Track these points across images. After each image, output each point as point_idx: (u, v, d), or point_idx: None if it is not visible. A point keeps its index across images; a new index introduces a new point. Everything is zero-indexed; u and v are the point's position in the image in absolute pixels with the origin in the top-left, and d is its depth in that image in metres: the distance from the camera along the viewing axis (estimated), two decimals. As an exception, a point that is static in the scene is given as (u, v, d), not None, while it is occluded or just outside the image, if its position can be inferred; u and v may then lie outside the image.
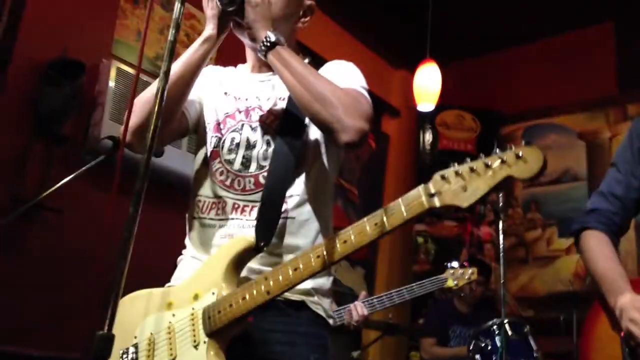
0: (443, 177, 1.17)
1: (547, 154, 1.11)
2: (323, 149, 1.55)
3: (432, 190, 1.17)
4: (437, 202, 1.17)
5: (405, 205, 1.19)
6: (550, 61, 5.04)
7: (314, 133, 1.51)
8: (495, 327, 3.24)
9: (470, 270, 3.10)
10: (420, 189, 1.19)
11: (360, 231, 1.23)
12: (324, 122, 1.38)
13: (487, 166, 1.13)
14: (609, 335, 1.63)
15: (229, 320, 1.34)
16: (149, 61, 3.41)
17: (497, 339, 3.19)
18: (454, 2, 4.70)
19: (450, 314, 4.14)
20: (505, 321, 3.16)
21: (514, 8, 4.75)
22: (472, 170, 1.15)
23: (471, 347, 3.32)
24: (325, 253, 1.26)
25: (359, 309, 3.00)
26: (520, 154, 1.10)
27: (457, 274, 3.09)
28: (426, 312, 4.32)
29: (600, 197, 1.80)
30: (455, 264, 3.16)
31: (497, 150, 1.14)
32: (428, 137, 5.40)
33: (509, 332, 3.14)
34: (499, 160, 1.12)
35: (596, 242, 1.74)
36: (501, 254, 3.21)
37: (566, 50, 4.96)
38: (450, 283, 3.07)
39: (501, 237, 3.29)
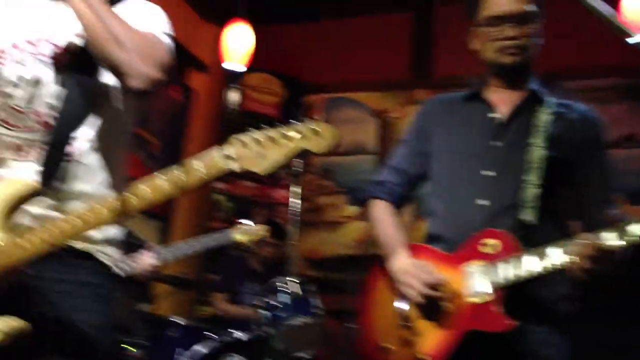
0: (242, 142, 1.20)
1: (343, 127, 1.20)
2: (118, 94, 1.47)
3: (232, 154, 1.20)
4: (235, 166, 1.20)
5: (204, 166, 1.21)
6: (354, 40, 5.33)
7: (110, 75, 1.41)
8: (282, 285, 3.42)
9: (260, 228, 3.18)
10: (219, 150, 1.20)
11: (156, 187, 1.21)
12: (113, 64, 1.31)
13: (285, 137, 1.19)
14: (387, 295, 1.79)
15: (5, 272, 1.25)
16: None
17: (283, 296, 3.37)
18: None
19: (243, 271, 4.23)
20: (293, 280, 3.36)
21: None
22: (270, 139, 1.19)
23: (259, 304, 3.47)
24: (117, 206, 1.22)
25: (147, 259, 2.94)
26: (317, 130, 1.18)
27: (247, 231, 3.15)
28: (219, 268, 4.38)
29: (388, 171, 1.97)
30: (247, 221, 3.23)
31: (297, 122, 1.21)
32: (234, 96, 5.41)
33: (295, 291, 3.34)
34: (297, 133, 1.18)
35: (381, 212, 1.91)
36: (294, 216, 3.39)
37: (370, 32, 5.29)
38: (241, 238, 3.13)
39: (296, 200, 3.47)
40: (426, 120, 1.97)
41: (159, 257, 2.97)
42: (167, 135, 4.97)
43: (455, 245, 1.72)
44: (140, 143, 4.52)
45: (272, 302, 3.40)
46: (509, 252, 1.60)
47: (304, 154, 1.19)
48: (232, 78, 5.29)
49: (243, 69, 4.63)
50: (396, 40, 5.23)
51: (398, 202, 1.94)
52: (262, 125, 1.21)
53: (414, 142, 1.97)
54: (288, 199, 4.84)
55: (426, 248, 1.81)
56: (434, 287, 1.64)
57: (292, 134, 1.19)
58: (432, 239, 1.84)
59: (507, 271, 1.58)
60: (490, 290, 1.59)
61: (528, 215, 1.66)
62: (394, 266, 1.76)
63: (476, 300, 1.61)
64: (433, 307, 1.66)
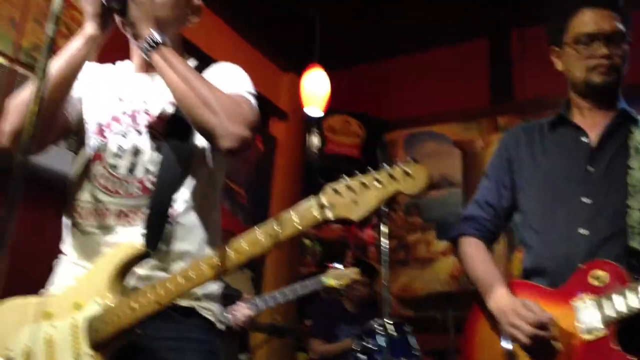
0: (335, 190, 1.21)
1: (427, 161, 1.17)
2: (210, 154, 1.54)
3: (325, 203, 1.21)
4: (330, 215, 1.20)
5: (298, 217, 1.22)
6: (430, 72, 5.30)
7: (201, 138, 1.48)
8: (377, 327, 3.36)
9: (351, 271, 3.18)
10: (312, 201, 1.22)
11: (253, 241, 1.24)
12: (205, 127, 1.37)
13: (377, 181, 1.18)
14: (490, 335, 1.71)
15: (116, 332, 1.30)
16: (24, 52, 3.20)
17: (379, 338, 3.32)
18: (342, 9, 4.82)
19: (337, 314, 4.21)
20: (388, 321, 3.29)
21: (398, 20, 4.95)
22: (363, 185, 1.19)
23: (356, 347, 3.43)
24: (218, 263, 1.26)
25: (242, 310, 3.00)
26: (408, 171, 1.16)
27: (339, 274, 3.15)
28: (313, 313, 4.38)
29: (475, 206, 1.91)
30: (337, 265, 3.23)
31: (386, 166, 1.20)
32: (315, 141, 5.49)
33: (391, 332, 3.28)
34: (389, 176, 1.18)
35: (473, 248, 1.84)
36: (384, 256, 3.34)
37: (445, 63, 5.25)
38: (332, 282, 3.13)
39: (384, 240, 3.43)
40: (509, 151, 1.91)
41: (254, 308, 3.02)
42: (253, 184, 5.09)
43: (557, 278, 1.64)
44: (227, 194, 4.66)
45: (370, 345, 3.35)
46: (619, 283, 1.51)
47: (395, 197, 1.18)
48: (312, 123, 5.38)
49: (321, 113, 4.70)
50: (473, 67, 5.16)
51: (488, 236, 1.87)
52: (349, 169, 1.22)
53: (499, 175, 1.90)
54: (376, 238, 4.80)
55: (527, 284, 1.72)
56: (542, 326, 1.55)
57: (383, 177, 1.18)
58: (531, 273, 1.75)
59: (621, 304, 1.48)
60: (602, 325, 1.50)
61: (636, 243, 1.56)
62: (496, 305, 1.68)
63: (589, 337, 1.52)
64: (542, 347, 1.56)
